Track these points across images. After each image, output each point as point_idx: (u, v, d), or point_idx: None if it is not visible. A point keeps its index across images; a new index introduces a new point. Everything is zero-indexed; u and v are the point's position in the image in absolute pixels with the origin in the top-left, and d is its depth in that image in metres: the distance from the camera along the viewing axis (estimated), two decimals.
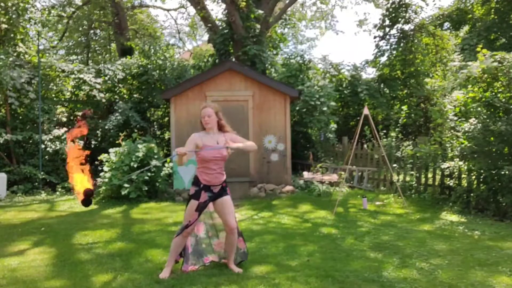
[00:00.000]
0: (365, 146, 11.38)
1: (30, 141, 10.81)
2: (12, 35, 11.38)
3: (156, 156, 8.92)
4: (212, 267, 4.41)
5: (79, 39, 21.49)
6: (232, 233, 4.27)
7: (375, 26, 17.27)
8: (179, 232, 4.19)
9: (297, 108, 12.82)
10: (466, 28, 17.54)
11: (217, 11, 34.41)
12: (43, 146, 10.47)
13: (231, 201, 4.29)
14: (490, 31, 15.23)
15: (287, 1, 16.57)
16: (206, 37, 18.72)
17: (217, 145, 4.14)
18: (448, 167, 7.80)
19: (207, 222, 4.51)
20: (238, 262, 4.45)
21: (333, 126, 13.90)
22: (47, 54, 12.35)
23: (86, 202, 3.81)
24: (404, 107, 11.44)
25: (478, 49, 7.89)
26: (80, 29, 20.87)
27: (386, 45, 17.04)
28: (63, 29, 20.38)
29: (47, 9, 17.29)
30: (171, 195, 9.04)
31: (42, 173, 10.25)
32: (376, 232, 5.98)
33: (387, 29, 16.86)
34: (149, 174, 8.54)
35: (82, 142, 11.23)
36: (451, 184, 8.01)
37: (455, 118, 8.15)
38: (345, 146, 12.34)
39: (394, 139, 10.23)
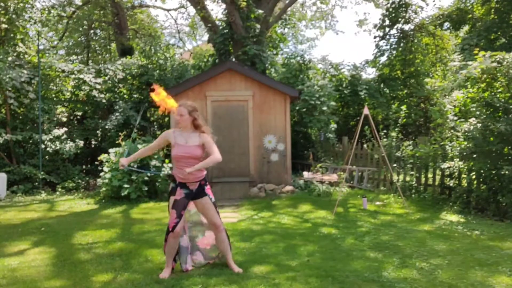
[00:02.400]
0: (365, 146, 11.37)
1: (30, 141, 10.82)
2: (12, 35, 11.38)
3: (156, 156, 8.92)
4: (212, 267, 4.42)
5: (79, 39, 21.48)
6: (219, 231, 4.29)
7: (375, 26, 17.26)
8: (165, 238, 4.23)
9: (297, 108, 12.82)
10: (466, 28, 17.51)
11: (217, 11, 34.38)
12: (43, 146, 10.48)
13: (210, 201, 4.24)
14: (490, 31, 15.20)
15: (287, 1, 16.56)
16: (206, 37, 18.71)
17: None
18: (448, 167, 7.80)
19: (190, 221, 4.51)
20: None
21: (333, 126, 13.90)
22: (47, 54, 12.34)
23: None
24: (403, 107, 11.42)
25: (476, 51, 7.90)
26: (80, 29, 20.86)
27: (386, 45, 17.03)
28: (63, 29, 20.37)
29: (47, 9, 17.28)
30: None
31: (42, 173, 10.26)
32: (376, 232, 5.98)
33: (387, 29, 16.84)
34: (149, 174, 8.55)
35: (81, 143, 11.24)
36: (451, 184, 8.02)
37: (455, 118, 8.15)
38: (345, 146, 12.34)
39: (394, 139, 10.22)
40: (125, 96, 13.66)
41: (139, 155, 4.50)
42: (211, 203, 4.24)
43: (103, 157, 9.01)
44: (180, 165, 4.10)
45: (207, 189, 4.25)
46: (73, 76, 12.23)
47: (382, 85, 16.01)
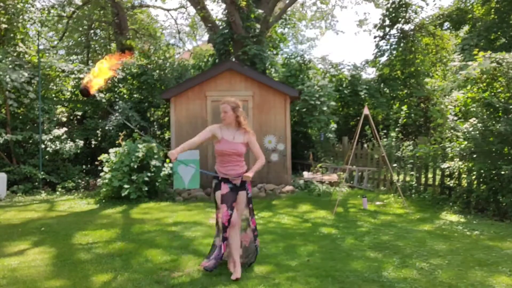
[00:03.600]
0: (365, 146, 11.38)
1: (30, 141, 10.81)
2: (12, 35, 11.38)
3: (156, 156, 8.92)
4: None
5: (79, 39, 21.48)
6: (232, 228, 4.20)
7: (375, 26, 17.28)
8: (223, 237, 4.13)
9: (297, 108, 12.82)
10: (466, 28, 17.53)
11: (217, 11, 34.37)
12: (43, 146, 10.47)
13: (245, 198, 4.28)
14: (490, 31, 15.22)
15: (287, 1, 16.57)
16: (206, 37, 18.73)
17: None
18: (448, 167, 7.80)
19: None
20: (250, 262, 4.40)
21: (333, 126, 13.90)
22: (47, 54, 12.34)
23: (82, 92, 4.24)
24: (404, 107, 11.44)
25: (475, 52, 7.90)
26: (80, 29, 20.86)
27: (386, 45, 17.06)
28: (63, 29, 20.38)
29: (46, 9, 17.27)
30: (171, 195, 9.04)
31: (42, 173, 10.25)
32: (376, 232, 5.98)
33: (387, 29, 16.86)
34: (148, 174, 8.54)
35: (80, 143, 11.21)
36: (451, 184, 8.02)
37: (455, 118, 8.15)
38: (345, 146, 12.34)
39: (394, 139, 10.23)
40: (125, 96, 13.66)
41: (185, 148, 4.20)
42: (244, 200, 4.27)
43: (103, 157, 9.00)
44: (224, 161, 4.18)
45: (248, 183, 4.31)
46: (73, 76, 12.22)
47: (382, 85, 16.02)
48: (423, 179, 8.93)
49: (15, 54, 11.31)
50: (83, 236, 5.84)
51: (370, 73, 28.66)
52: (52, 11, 18.04)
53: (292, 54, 15.24)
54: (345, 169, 9.39)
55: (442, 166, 7.89)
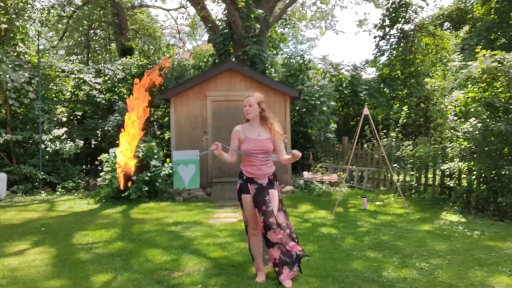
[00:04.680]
0: (365, 146, 11.38)
1: (30, 141, 10.81)
2: (12, 35, 11.38)
3: (156, 156, 8.92)
4: (212, 267, 4.42)
5: (79, 39, 21.50)
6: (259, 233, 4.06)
7: (375, 26, 17.26)
8: (268, 243, 3.95)
9: (297, 108, 12.81)
10: (466, 28, 17.54)
11: (217, 11, 34.36)
12: (43, 146, 10.47)
13: (277, 197, 4.02)
14: (490, 31, 15.22)
15: (287, 1, 16.57)
16: (206, 37, 18.72)
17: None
18: (448, 167, 7.80)
19: None
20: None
21: (333, 126, 13.89)
22: (47, 54, 12.34)
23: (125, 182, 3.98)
24: (405, 107, 11.43)
25: (477, 49, 7.89)
26: (80, 29, 20.88)
27: (386, 45, 17.03)
28: (63, 29, 20.40)
29: (46, 9, 17.28)
30: (171, 195, 9.04)
31: (42, 173, 10.26)
32: (376, 232, 5.98)
33: (387, 29, 16.84)
34: (149, 174, 8.55)
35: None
36: (451, 184, 8.01)
37: (455, 118, 8.15)
38: (345, 146, 12.34)
39: (394, 139, 10.23)
40: (125, 96, 13.65)
41: (226, 159, 4.04)
42: (277, 200, 3.99)
43: (103, 157, 9.00)
44: (251, 160, 3.95)
45: (277, 185, 4.09)
46: (73, 76, 12.23)
47: (382, 85, 16.00)
48: (423, 179, 8.93)
49: (15, 54, 11.31)
50: (83, 236, 5.84)
51: (370, 73, 28.72)
52: (52, 11, 18.04)
53: (292, 54, 15.22)
54: (345, 169, 9.39)
55: (442, 167, 7.89)
